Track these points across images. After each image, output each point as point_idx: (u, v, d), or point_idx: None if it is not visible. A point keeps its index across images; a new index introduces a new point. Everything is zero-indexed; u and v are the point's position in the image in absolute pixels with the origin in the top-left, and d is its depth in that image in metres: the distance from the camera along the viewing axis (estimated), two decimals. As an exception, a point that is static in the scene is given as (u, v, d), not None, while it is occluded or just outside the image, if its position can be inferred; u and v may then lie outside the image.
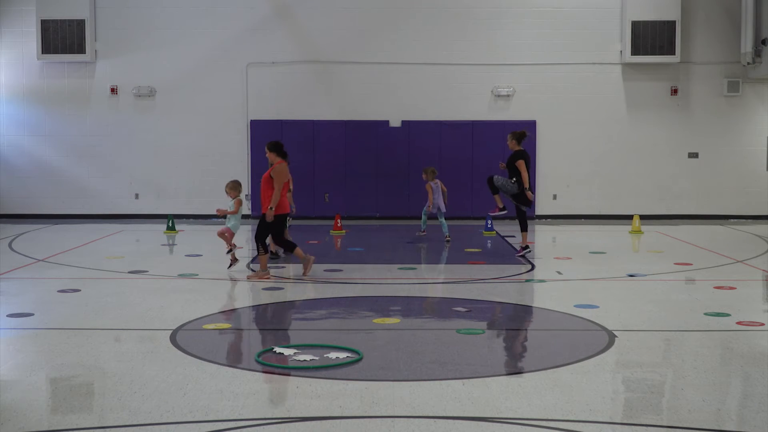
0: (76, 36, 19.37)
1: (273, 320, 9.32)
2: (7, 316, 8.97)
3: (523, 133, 13.70)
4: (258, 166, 19.51)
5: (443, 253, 14.32)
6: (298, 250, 11.51)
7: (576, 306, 9.44)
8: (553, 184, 19.97)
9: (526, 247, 13.70)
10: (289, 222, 12.90)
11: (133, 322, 8.75)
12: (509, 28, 19.75)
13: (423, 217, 15.85)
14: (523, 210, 13.71)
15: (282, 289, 10.69)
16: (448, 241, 15.15)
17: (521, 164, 13.35)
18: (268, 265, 11.75)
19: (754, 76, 19.38)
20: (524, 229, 13.78)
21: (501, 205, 13.91)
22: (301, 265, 11.57)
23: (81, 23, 19.33)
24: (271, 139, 11.79)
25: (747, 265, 12.73)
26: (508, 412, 5.83)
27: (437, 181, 15.43)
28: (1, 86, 19.85)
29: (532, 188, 13.57)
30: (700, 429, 5.55)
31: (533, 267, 12.52)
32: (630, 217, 18.64)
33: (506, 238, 16.09)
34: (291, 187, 12.81)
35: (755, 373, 6.86)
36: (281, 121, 19.73)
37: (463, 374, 6.75)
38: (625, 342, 7.83)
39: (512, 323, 9.10)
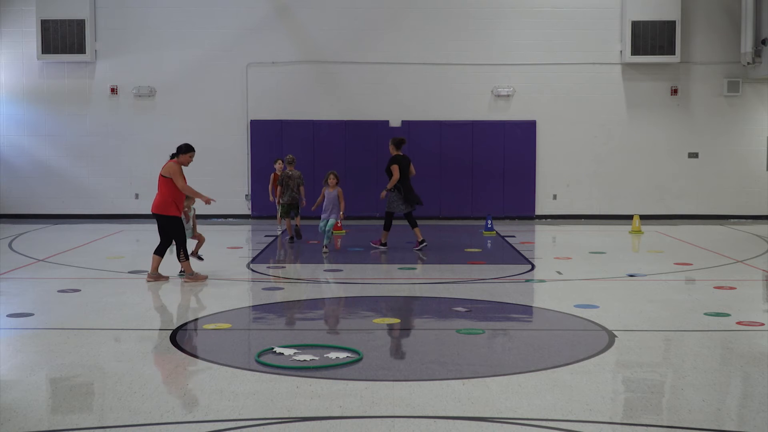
0: (76, 36, 19.37)
1: (273, 320, 9.32)
2: (7, 316, 8.98)
3: (402, 139, 14.43)
4: (258, 166, 19.54)
5: (443, 253, 14.31)
6: (157, 261, 11.32)
7: (576, 306, 9.45)
8: (553, 184, 19.97)
9: (423, 240, 14.30)
10: None
11: (133, 322, 8.75)
12: (509, 28, 19.75)
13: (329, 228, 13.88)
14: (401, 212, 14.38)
15: (282, 289, 10.69)
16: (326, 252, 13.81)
17: (395, 168, 14.08)
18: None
19: (754, 76, 19.38)
20: (414, 225, 14.43)
21: (420, 238, 14.36)
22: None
23: (81, 23, 19.33)
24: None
25: (747, 265, 12.73)
26: (508, 412, 5.83)
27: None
28: (1, 86, 19.84)
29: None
30: (700, 429, 5.55)
31: (533, 267, 12.52)
32: (630, 217, 18.64)
33: (506, 238, 16.08)
34: None
35: (755, 373, 6.86)
36: (281, 121, 19.73)
37: (463, 374, 6.76)
38: (625, 342, 7.83)
39: (512, 323, 9.10)
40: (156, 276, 11.21)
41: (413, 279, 11.45)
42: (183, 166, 11.28)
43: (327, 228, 13.72)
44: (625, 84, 19.84)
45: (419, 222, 14.96)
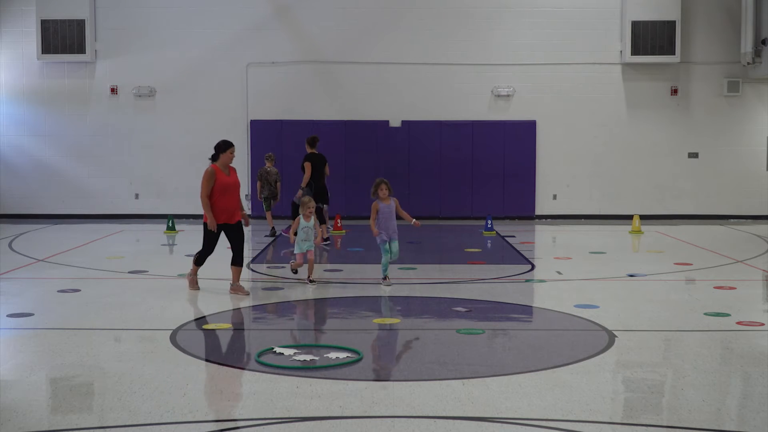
0: (76, 36, 19.37)
1: (273, 320, 9.31)
2: (7, 316, 8.97)
3: (315, 137, 15.31)
4: (258, 166, 19.52)
5: (443, 253, 14.30)
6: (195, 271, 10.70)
7: (576, 306, 9.44)
8: (553, 184, 19.96)
9: (327, 239, 15.02)
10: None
11: (133, 322, 8.75)
12: (509, 28, 19.74)
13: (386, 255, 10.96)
14: (320, 206, 14.84)
15: (282, 289, 10.69)
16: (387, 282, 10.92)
17: (307, 165, 14.86)
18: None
19: (754, 76, 19.37)
20: (322, 222, 15.00)
21: (325, 235, 14.87)
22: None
23: (81, 23, 19.33)
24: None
25: (747, 265, 12.72)
26: (508, 412, 5.83)
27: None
28: (1, 86, 19.84)
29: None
30: (700, 429, 5.55)
31: (533, 267, 12.52)
32: (630, 217, 18.64)
33: (506, 238, 16.08)
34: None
35: (755, 373, 6.86)
36: (281, 121, 19.72)
37: (463, 374, 6.76)
38: (625, 342, 7.83)
39: (512, 323, 9.10)
40: (237, 288, 10.37)
41: (413, 279, 11.44)
42: (228, 164, 10.34)
43: (393, 253, 10.87)
44: (625, 84, 19.84)
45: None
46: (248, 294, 10.34)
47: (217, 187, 10.21)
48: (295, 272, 11.29)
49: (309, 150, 15.13)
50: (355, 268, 12.41)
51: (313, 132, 19.66)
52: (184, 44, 19.74)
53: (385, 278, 10.91)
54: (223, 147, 10.34)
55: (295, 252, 11.09)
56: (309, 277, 11.02)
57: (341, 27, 19.74)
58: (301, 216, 11.00)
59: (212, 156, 10.37)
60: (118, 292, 10.34)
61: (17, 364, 7.13)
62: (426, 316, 9.22)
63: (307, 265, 11.06)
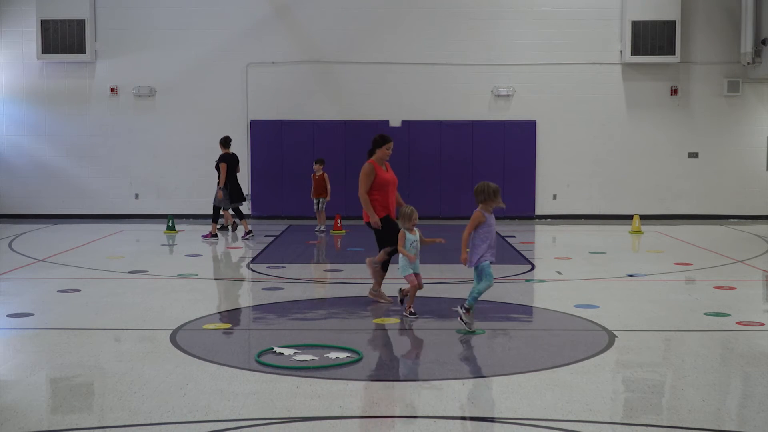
0: (76, 36, 19.37)
1: (273, 320, 9.31)
2: (7, 316, 8.97)
3: (227, 138, 16.22)
4: (258, 166, 19.54)
5: (443, 253, 14.27)
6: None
7: (576, 306, 9.44)
8: (553, 184, 19.96)
9: (250, 231, 15.97)
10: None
11: (133, 322, 8.75)
12: (509, 28, 19.75)
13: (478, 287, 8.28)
14: (238, 205, 16.23)
15: (282, 289, 10.69)
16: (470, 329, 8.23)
17: (223, 166, 15.83)
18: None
19: (754, 76, 19.38)
20: (241, 217, 16.30)
21: (248, 228, 16.04)
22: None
23: (81, 23, 19.33)
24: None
25: (747, 265, 12.72)
26: (508, 412, 5.83)
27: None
28: (1, 86, 19.84)
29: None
30: (700, 429, 5.55)
31: (533, 267, 12.52)
32: (630, 217, 18.64)
33: (506, 238, 16.08)
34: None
35: (755, 373, 6.86)
36: (281, 121, 19.73)
37: (463, 374, 6.76)
38: (625, 342, 7.83)
39: (512, 323, 9.09)
40: (377, 294, 9.69)
41: (413, 279, 11.42)
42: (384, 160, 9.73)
43: (487, 279, 8.19)
44: (625, 84, 19.84)
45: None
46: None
47: (377, 183, 9.63)
48: (402, 301, 9.27)
49: (223, 150, 16.01)
50: (355, 268, 12.41)
51: (313, 131, 19.72)
52: (184, 44, 19.74)
53: (468, 311, 8.21)
54: (380, 142, 9.66)
55: (405, 274, 8.92)
56: (409, 308, 8.92)
57: (341, 27, 19.75)
58: (405, 230, 8.98)
59: (369, 151, 9.74)
60: (118, 292, 10.34)
61: (17, 364, 7.13)
62: (426, 316, 9.21)
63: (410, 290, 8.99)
